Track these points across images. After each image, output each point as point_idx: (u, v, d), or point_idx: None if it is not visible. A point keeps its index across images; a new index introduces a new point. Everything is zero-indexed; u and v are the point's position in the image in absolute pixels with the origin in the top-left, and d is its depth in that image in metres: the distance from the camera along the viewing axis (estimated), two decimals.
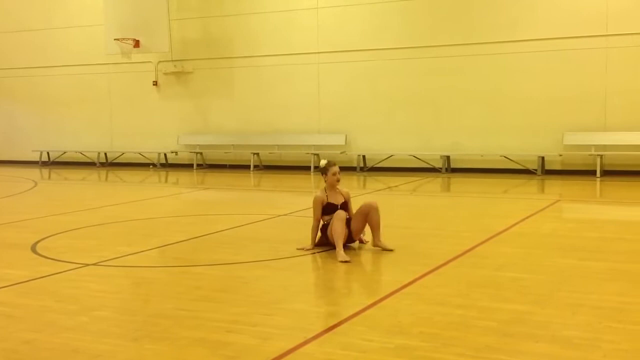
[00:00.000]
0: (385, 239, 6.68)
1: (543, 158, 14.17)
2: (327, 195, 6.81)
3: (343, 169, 16.57)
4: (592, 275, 5.60)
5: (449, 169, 15.00)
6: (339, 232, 6.40)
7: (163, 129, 18.05)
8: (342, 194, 6.89)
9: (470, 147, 14.81)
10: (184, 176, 16.18)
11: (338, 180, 6.83)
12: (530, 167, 14.23)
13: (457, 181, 13.80)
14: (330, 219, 6.63)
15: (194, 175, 16.29)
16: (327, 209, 6.74)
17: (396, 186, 12.86)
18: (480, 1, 14.65)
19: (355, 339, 3.99)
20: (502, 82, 14.56)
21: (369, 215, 6.64)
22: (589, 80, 13.82)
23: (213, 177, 15.92)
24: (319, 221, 6.79)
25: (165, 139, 17.97)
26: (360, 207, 6.70)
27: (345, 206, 6.82)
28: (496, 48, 14.52)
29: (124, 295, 5.39)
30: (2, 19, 19.75)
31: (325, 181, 6.85)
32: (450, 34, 14.92)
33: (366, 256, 6.45)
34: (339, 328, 4.22)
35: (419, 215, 9.39)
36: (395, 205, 10.74)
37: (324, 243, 6.71)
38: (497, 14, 14.51)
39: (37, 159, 19.27)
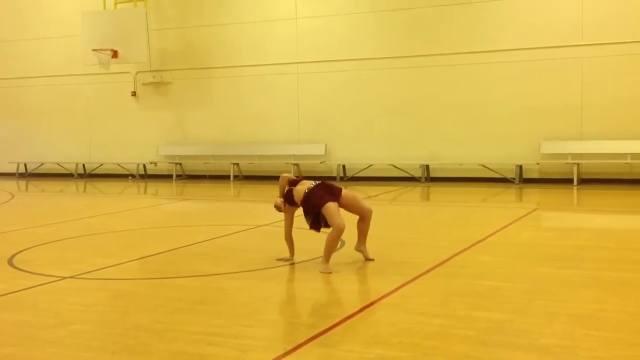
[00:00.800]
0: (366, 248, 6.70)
1: (521, 167, 14.31)
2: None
3: (323, 178, 16.59)
4: (570, 283, 5.65)
5: (428, 178, 15.09)
6: (334, 245, 6.34)
7: (142, 139, 17.95)
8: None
9: (449, 157, 14.92)
10: (163, 187, 16.10)
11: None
12: (508, 175, 14.36)
13: (436, 190, 13.88)
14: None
15: (173, 186, 16.22)
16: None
17: (376, 195, 12.90)
18: (458, 12, 14.80)
19: (335, 350, 3.99)
20: (480, 92, 14.70)
21: (364, 221, 6.64)
22: (566, 89, 14.00)
23: (193, 188, 15.85)
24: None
25: (144, 150, 17.88)
26: (360, 208, 6.63)
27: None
28: (474, 58, 14.67)
29: (103, 308, 5.34)
30: None
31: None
32: (428, 44, 15.04)
33: (346, 266, 6.46)
34: (319, 339, 4.22)
35: (398, 225, 9.42)
36: (375, 215, 10.72)
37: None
38: (475, 24, 14.66)
39: (14, 171, 19.06)
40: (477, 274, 5.99)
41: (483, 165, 14.53)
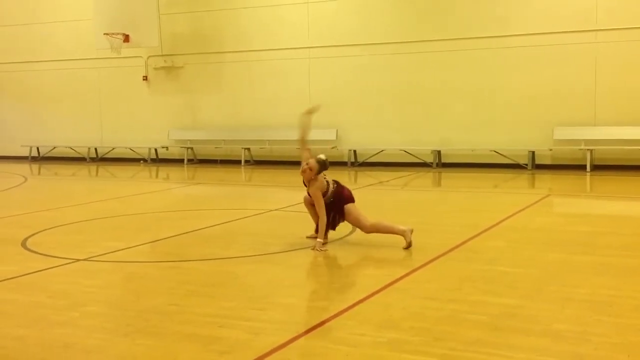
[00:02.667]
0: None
1: (533, 153, 14.22)
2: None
3: (334, 163, 16.54)
4: (582, 269, 5.63)
5: (440, 164, 15.03)
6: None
7: (153, 124, 17.98)
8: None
9: (460, 142, 14.85)
10: (174, 171, 16.13)
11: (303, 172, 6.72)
12: (521, 161, 14.28)
13: (448, 176, 13.83)
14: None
15: (184, 171, 16.25)
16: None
17: (387, 181, 12.87)
18: None
19: (347, 334, 3.99)
20: (492, 77, 14.59)
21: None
22: (579, 75, 13.87)
23: (204, 172, 15.88)
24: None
25: (156, 134, 17.91)
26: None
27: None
28: (487, 43, 14.55)
29: (115, 291, 5.37)
30: None
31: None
32: (440, 29, 14.93)
33: (357, 251, 6.46)
34: (330, 322, 4.23)
35: (410, 210, 9.40)
36: (386, 200, 10.76)
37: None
38: (488, 9, 14.53)
39: (27, 154, 19.16)
40: (488, 259, 5.98)
41: (495, 151, 14.45)
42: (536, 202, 9.71)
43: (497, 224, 7.73)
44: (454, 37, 14.80)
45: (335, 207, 6.62)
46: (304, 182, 6.80)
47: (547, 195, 10.89)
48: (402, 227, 6.42)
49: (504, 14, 14.39)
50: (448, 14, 14.88)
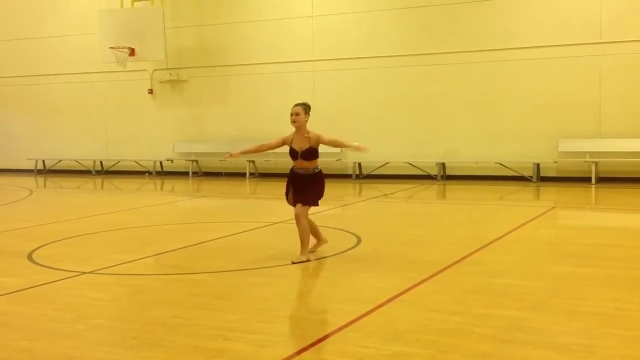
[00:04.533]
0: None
1: (538, 165, 14.21)
2: (292, 139, 6.71)
3: (339, 176, 16.55)
4: (588, 281, 5.62)
5: (445, 176, 15.03)
6: (308, 231, 6.53)
7: (159, 136, 18.04)
8: (309, 139, 6.67)
9: (465, 154, 14.85)
10: (179, 184, 16.17)
11: (294, 122, 6.70)
12: (525, 174, 14.28)
13: (453, 188, 13.83)
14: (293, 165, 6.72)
15: (189, 183, 16.28)
16: (290, 153, 6.72)
17: (392, 193, 12.88)
18: (474, 9, 14.72)
19: (352, 346, 3.99)
20: (496, 90, 14.61)
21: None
22: (583, 87, 13.89)
23: (209, 184, 15.91)
24: (268, 147, 6.89)
25: (161, 147, 17.96)
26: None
27: (306, 153, 6.66)
28: (490, 56, 14.59)
29: (120, 303, 5.38)
30: None
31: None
32: (444, 41, 14.98)
33: (361, 264, 6.46)
34: (335, 335, 4.23)
35: (414, 223, 9.40)
36: (391, 213, 10.77)
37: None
38: (491, 22, 14.58)
39: (33, 167, 19.23)
40: (493, 272, 5.97)
41: (500, 164, 14.45)
42: (541, 214, 9.70)
43: (502, 236, 7.73)
44: (458, 49, 14.85)
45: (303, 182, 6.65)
46: (295, 152, 6.72)
47: (552, 208, 10.87)
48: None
49: (509, 26, 14.44)
50: (452, 27, 14.94)
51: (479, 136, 14.74)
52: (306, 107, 6.73)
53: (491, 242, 7.34)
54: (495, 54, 14.56)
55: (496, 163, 14.47)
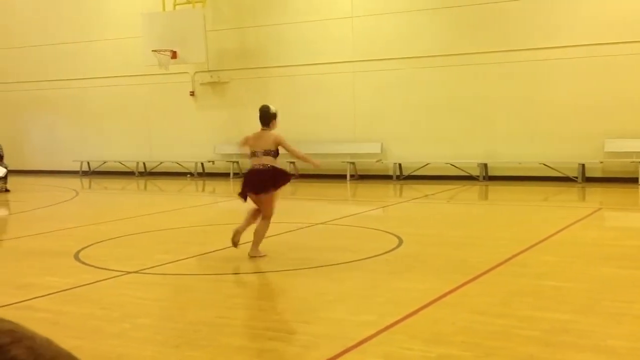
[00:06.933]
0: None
1: (583, 165, 13.93)
2: None
3: (379, 177, 16.48)
4: (635, 284, 5.48)
5: (487, 177, 14.85)
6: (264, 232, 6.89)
7: (200, 138, 18.23)
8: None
9: (508, 155, 14.64)
10: (220, 185, 16.32)
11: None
12: (570, 174, 14.01)
13: (495, 189, 13.65)
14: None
15: (230, 184, 16.41)
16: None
17: (433, 194, 12.78)
18: (515, 8, 14.51)
19: (396, 348, 3.97)
20: (539, 89, 14.38)
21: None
22: (630, 86, 13.56)
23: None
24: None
25: (202, 148, 18.15)
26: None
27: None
28: (533, 55, 14.36)
29: (164, 303, 5.45)
30: (40, 32, 20.20)
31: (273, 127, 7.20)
32: (484, 40, 14.80)
33: (403, 265, 6.42)
34: (378, 337, 4.21)
35: (457, 224, 9.31)
36: (433, 214, 10.68)
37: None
38: (532, 20, 14.35)
39: (78, 169, 19.63)
40: (539, 274, 5.87)
41: (544, 164, 14.21)
42: (587, 215, 9.51)
43: (547, 238, 7.59)
44: (499, 49, 14.66)
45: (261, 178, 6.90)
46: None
47: (598, 209, 10.65)
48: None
49: (551, 25, 14.19)
50: (493, 26, 14.75)
51: (522, 136, 14.52)
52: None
53: (536, 244, 7.21)
54: (538, 53, 14.32)
55: (540, 163, 14.23)
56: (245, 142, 7.25)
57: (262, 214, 6.95)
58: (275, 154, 7.07)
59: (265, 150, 6.99)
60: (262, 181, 6.91)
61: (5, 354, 0.59)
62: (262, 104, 7.60)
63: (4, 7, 20.66)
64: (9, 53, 20.62)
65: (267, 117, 7.15)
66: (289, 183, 7.17)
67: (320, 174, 16.51)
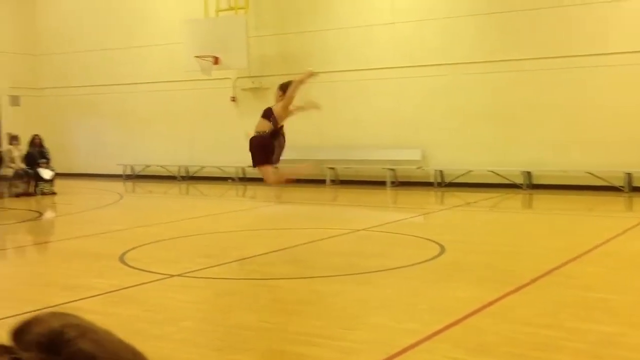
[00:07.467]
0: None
1: (630, 174, 13.62)
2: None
3: (420, 184, 16.38)
4: None
5: (530, 185, 14.62)
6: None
7: (241, 143, 18.25)
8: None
9: (552, 163, 14.39)
10: (261, 190, 16.40)
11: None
12: (617, 183, 13.71)
13: (539, 198, 13.43)
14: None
15: (270, 190, 16.49)
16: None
17: (475, 202, 12.63)
18: (558, 14, 14.28)
19: (439, 357, 3.93)
20: (585, 96, 14.11)
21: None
22: None
23: (289, 191, 16.06)
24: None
25: (243, 154, 18.20)
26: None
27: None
28: (579, 61, 14.10)
29: (207, 306, 5.50)
30: (88, 38, 20.63)
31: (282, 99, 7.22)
32: (527, 47, 14.59)
33: (445, 273, 6.36)
34: (422, 345, 4.17)
35: (499, 232, 9.19)
36: (475, 222, 10.56)
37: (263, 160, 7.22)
38: (576, 27, 14.09)
39: (122, 173, 19.97)
40: (585, 285, 5.75)
41: (589, 173, 13.93)
42: (634, 226, 9.28)
43: (593, 248, 7.43)
44: (542, 56, 14.43)
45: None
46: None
47: None
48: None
49: (597, 31, 13.93)
50: (536, 32, 14.55)
51: (566, 144, 14.26)
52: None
53: (581, 255, 7.07)
54: (583, 60, 14.05)
55: (585, 172, 13.96)
56: None
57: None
58: (274, 120, 7.31)
59: (263, 116, 7.37)
60: (252, 153, 7.36)
61: (72, 347, 0.61)
62: None
63: (55, 13, 21.20)
64: (59, 58, 21.14)
65: (283, 85, 7.44)
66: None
67: (361, 180, 16.50)
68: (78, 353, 0.62)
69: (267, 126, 7.25)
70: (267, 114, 7.34)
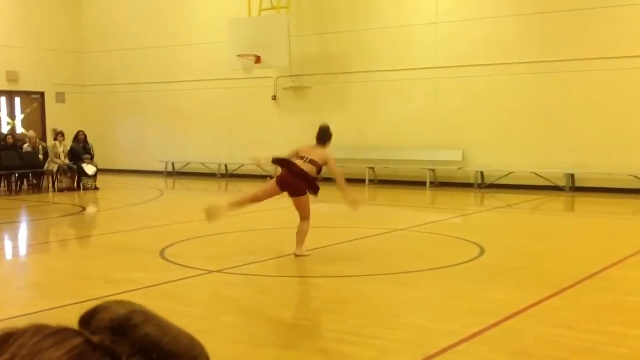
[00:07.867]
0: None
1: None
2: None
3: (460, 185, 16.26)
4: None
5: (573, 188, 14.37)
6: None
7: (281, 142, 18.40)
8: None
9: (596, 165, 14.13)
10: None
11: None
12: None
13: (582, 200, 13.21)
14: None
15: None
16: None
17: (516, 204, 12.48)
18: (605, 15, 13.99)
19: (478, 359, 3.91)
20: (629, 98, 13.80)
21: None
22: None
23: (328, 190, 16.05)
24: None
25: (283, 152, 18.33)
26: None
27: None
28: (624, 63, 13.80)
29: (247, 302, 5.55)
30: (133, 36, 20.96)
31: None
32: (571, 48, 14.34)
33: (485, 274, 6.30)
34: (460, 346, 4.15)
35: (541, 235, 9.06)
36: (515, 224, 10.44)
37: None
38: (626, 27, 13.80)
39: (163, 169, 20.25)
40: (628, 289, 5.65)
41: (634, 176, 13.64)
42: None
43: (636, 252, 7.28)
44: (587, 56, 14.17)
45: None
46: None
47: None
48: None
49: None
50: (580, 33, 14.29)
51: (611, 147, 13.98)
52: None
53: (624, 259, 6.94)
54: (626, 62, 13.74)
55: (630, 175, 13.67)
56: (296, 152, 7.43)
57: (300, 215, 6.99)
58: (319, 168, 7.29)
59: (312, 160, 7.19)
60: (296, 184, 7.22)
61: (139, 331, 0.67)
62: (322, 123, 7.73)
63: (100, 12, 21.62)
64: (103, 56, 21.55)
65: (325, 136, 7.43)
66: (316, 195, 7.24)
67: (400, 180, 16.44)
68: (145, 337, 0.66)
69: (313, 170, 7.33)
70: (316, 163, 7.27)
